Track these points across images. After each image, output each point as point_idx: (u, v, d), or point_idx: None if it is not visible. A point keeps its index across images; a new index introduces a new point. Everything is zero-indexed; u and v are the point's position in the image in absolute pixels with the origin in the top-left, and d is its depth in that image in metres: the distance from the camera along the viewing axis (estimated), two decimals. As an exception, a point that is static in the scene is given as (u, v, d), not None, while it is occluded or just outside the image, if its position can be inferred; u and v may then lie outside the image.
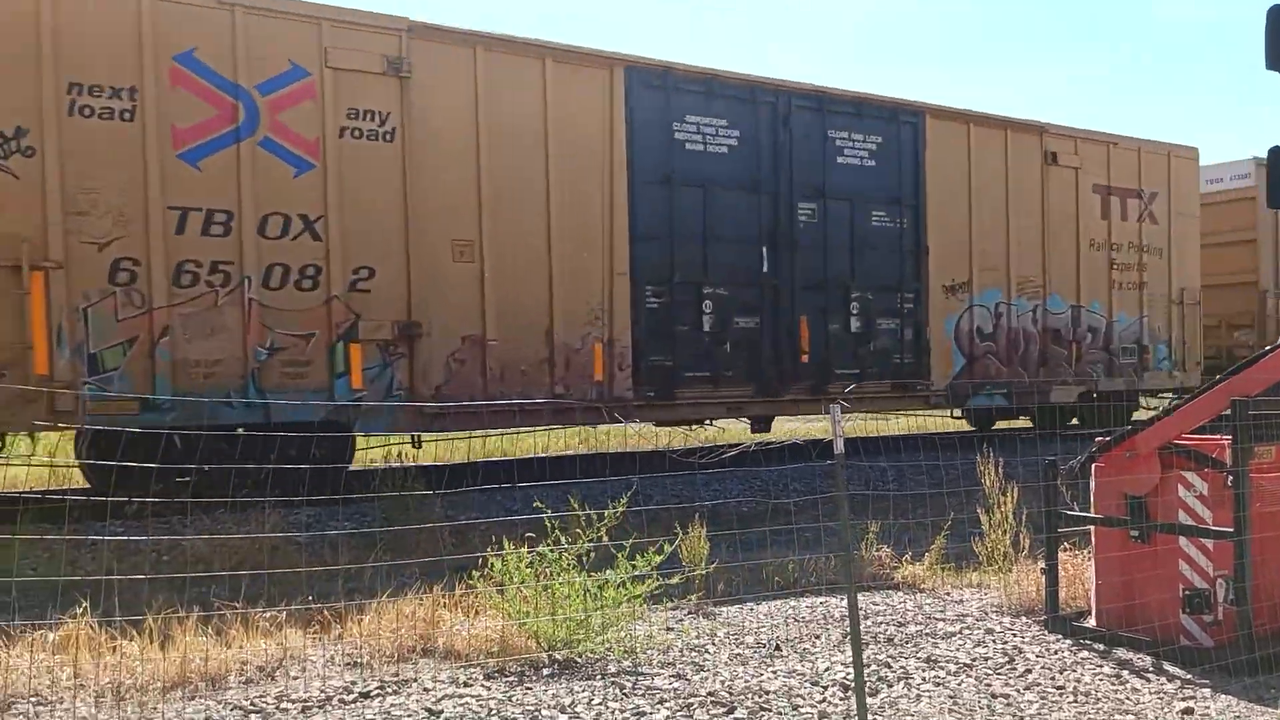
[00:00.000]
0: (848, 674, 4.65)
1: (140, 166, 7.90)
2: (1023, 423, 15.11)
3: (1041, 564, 5.73)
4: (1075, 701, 4.44)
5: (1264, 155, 15.81)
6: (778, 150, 11.12)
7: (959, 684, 4.63)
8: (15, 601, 5.58)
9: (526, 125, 9.60)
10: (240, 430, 8.26)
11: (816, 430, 15.67)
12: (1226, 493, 4.96)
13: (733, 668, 4.83)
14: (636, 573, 5.12)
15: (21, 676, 4.46)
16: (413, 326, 9.00)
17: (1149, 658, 5.01)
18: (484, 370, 9.31)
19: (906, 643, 5.28)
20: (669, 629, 5.44)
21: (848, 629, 5.24)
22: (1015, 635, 5.41)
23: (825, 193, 11.41)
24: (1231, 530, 4.83)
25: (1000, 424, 15.30)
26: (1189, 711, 4.33)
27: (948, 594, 6.40)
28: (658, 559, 5.22)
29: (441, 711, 4.18)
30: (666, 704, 4.31)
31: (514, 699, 4.35)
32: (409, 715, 4.15)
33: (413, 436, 9.94)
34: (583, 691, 4.45)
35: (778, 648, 5.17)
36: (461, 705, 4.25)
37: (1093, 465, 5.50)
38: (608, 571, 5.09)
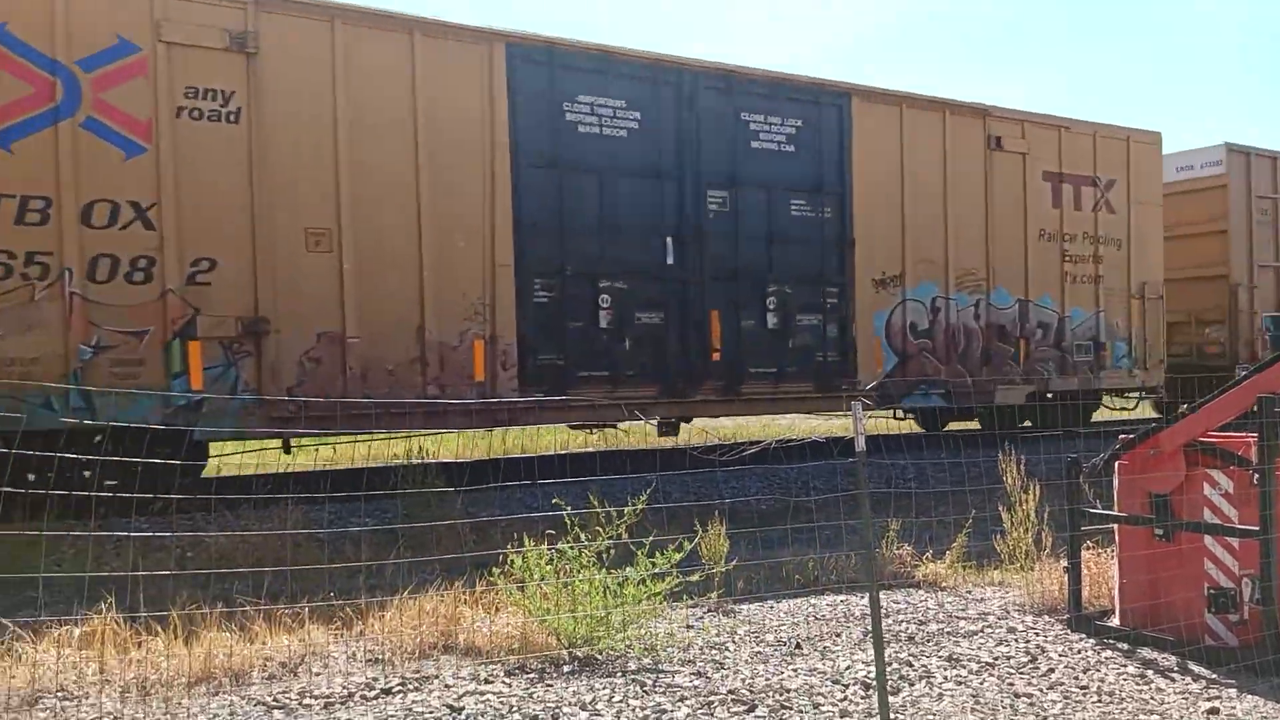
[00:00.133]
0: (869, 672, 4.64)
1: None
2: (976, 425, 14.34)
3: (1064, 562, 5.69)
4: (1099, 701, 4.41)
5: (1237, 140, 15.16)
6: (683, 134, 10.36)
7: (981, 683, 4.61)
8: (42, 597, 5.66)
9: (392, 105, 8.91)
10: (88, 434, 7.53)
11: (837, 428, 15.62)
12: (1252, 490, 4.91)
13: (753, 665, 4.82)
14: (656, 570, 5.13)
15: (48, 672, 4.51)
16: (260, 323, 8.31)
17: (1174, 657, 4.97)
18: (344, 370, 8.61)
19: (928, 641, 5.26)
20: (689, 626, 5.44)
21: (868, 627, 5.23)
22: (1038, 634, 5.38)
23: (738, 180, 10.67)
24: (1257, 529, 4.79)
25: (953, 425, 14.53)
26: (1214, 712, 4.29)
27: (969, 592, 6.37)
28: (677, 556, 5.22)
29: (463, 708, 4.20)
30: (687, 701, 4.31)
31: (535, 696, 4.36)
32: (430, 712, 4.17)
33: (284, 441, 9.25)
34: (603, 689, 4.45)
35: (798, 646, 5.16)
36: (483, 702, 4.27)
37: (1116, 463, 5.46)
38: (627, 569, 5.09)
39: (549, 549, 5.11)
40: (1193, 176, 15.67)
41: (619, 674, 4.68)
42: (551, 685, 4.50)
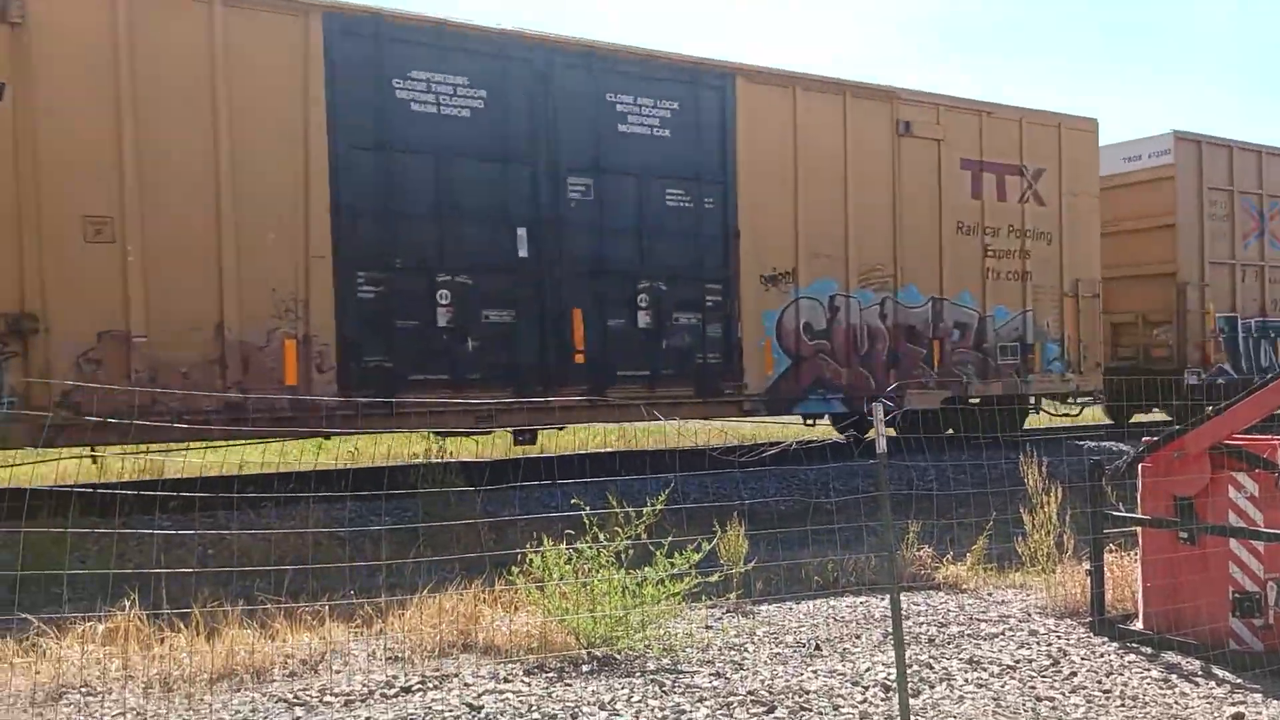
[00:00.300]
0: (889, 674, 4.62)
1: None
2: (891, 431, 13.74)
3: (1086, 565, 5.65)
4: (1123, 705, 4.37)
5: (1186, 128, 13.20)
6: (538, 115, 9.47)
7: (1002, 686, 4.58)
8: (66, 594, 5.71)
9: (185, 80, 8.06)
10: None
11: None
12: (1278, 494, 4.86)
13: (772, 667, 4.81)
14: (675, 570, 5.12)
15: (73, 667, 4.55)
16: (26, 320, 7.52)
17: (1198, 661, 4.92)
18: (129, 373, 7.76)
19: (948, 643, 5.23)
20: (708, 627, 5.44)
21: (888, 629, 5.21)
22: (1060, 637, 5.34)
23: (604, 166, 9.77)
24: (1284, 532, 4.74)
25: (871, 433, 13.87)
26: (1239, 717, 4.24)
27: (990, 595, 6.33)
28: (696, 557, 5.21)
29: (482, 707, 4.21)
30: (706, 702, 4.30)
31: (554, 695, 4.36)
32: (450, 710, 4.18)
33: (92, 449, 8.60)
34: (622, 689, 4.45)
35: (818, 647, 5.14)
36: (502, 701, 4.28)
37: (1140, 466, 5.41)
38: (646, 569, 5.09)
39: (568, 549, 5.11)
40: (1140, 167, 14.79)
41: (638, 674, 4.68)
42: (570, 685, 4.51)
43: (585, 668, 4.77)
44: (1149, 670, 4.82)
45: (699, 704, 4.28)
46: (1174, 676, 4.73)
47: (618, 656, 4.89)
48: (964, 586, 6.48)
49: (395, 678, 4.54)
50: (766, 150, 10.70)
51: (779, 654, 5.03)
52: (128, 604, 4.95)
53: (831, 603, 6.07)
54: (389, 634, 5.19)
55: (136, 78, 7.90)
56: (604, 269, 9.84)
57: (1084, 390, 13.15)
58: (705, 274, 10.38)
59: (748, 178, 10.56)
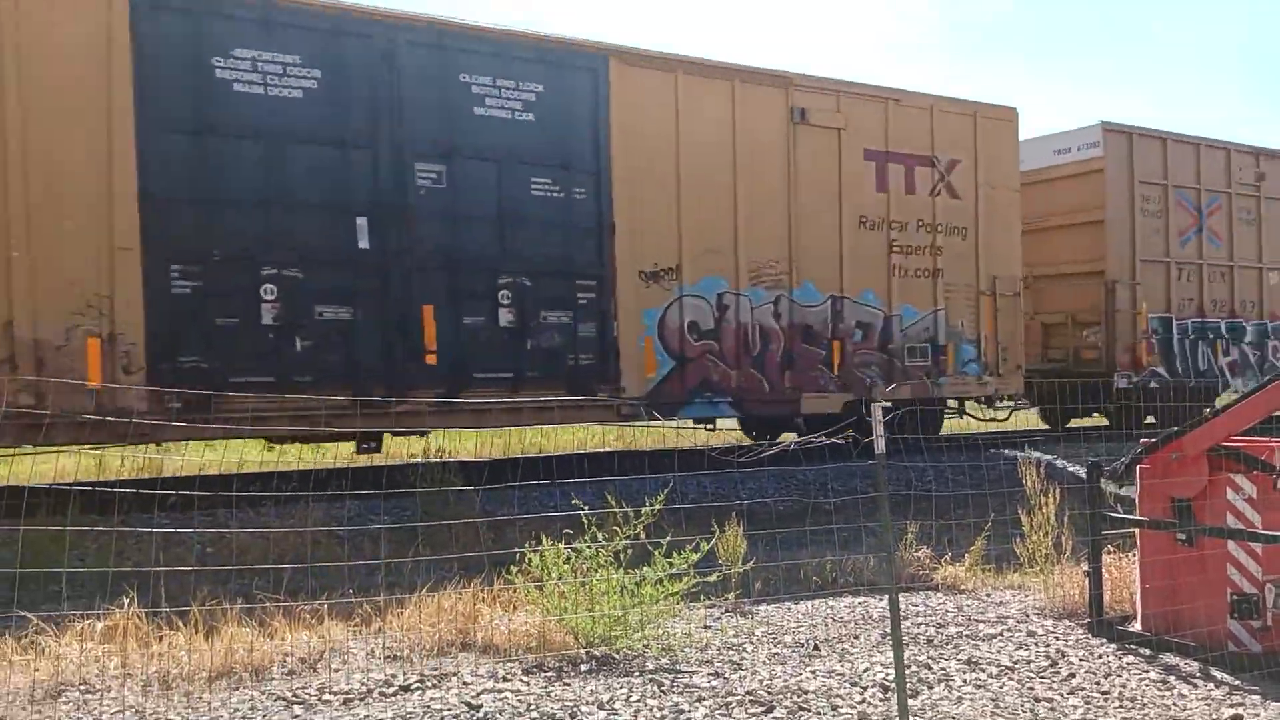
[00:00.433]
0: (887, 674, 4.62)
1: None
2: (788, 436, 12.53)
3: (1085, 566, 5.66)
4: (1121, 707, 4.38)
5: (1114, 120, 12.76)
6: (381, 97, 8.79)
7: (1001, 687, 4.59)
8: (65, 592, 5.71)
9: None
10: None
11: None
12: (1276, 495, 4.88)
13: (771, 667, 4.81)
14: (674, 570, 5.13)
15: (71, 665, 4.56)
16: None
17: (1196, 663, 4.93)
18: None
19: (946, 644, 5.24)
20: (706, 627, 5.44)
21: (887, 629, 5.22)
22: (1058, 638, 5.34)
23: (458, 151, 9.06)
24: (1282, 534, 4.75)
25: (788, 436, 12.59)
26: (1238, 718, 4.25)
27: (988, 595, 6.34)
28: (695, 557, 5.22)
29: (481, 706, 4.21)
30: (705, 702, 4.31)
31: (552, 694, 4.37)
32: (448, 709, 4.18)
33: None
34: (621, 688, 4.46)
35: (816, 647, 5.15)
36: (500, 700, 4.28)
37: (1138, 467, 5.42)
38: (645, 569, 5.10)
39: (566, 548, 5.12)
40: (1070, 160, 14.08)
41: (636, 673, 4.68)
42: (569, 684, 4.51)
43: (584, 667, 4.77)
44: (1147, 672, 4.83)
45: (697, 704, 4.28)
46: (1172, 678, 4.74)
47: (616, 656, 4.90)
48: (962, 587, 6.49)
49: (394, 676, 4.55)
50: (646, 138, 9.99)
51: (777, 654, 5.04)
52: (126, 602, 4.96)
53: (830, 603, 6.08)
54: (388, 633, 5.19)
55: None
56: (459, 262, 9.11)
57: (1004, 394, 12.50)
58: (577, 269, 9.67)
59: (624, 168, 9.85)
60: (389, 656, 4.88)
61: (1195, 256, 14.36)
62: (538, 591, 5.09)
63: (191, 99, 8.14)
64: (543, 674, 4.65)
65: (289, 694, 4.34)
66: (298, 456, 10.54)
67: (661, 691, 4.43)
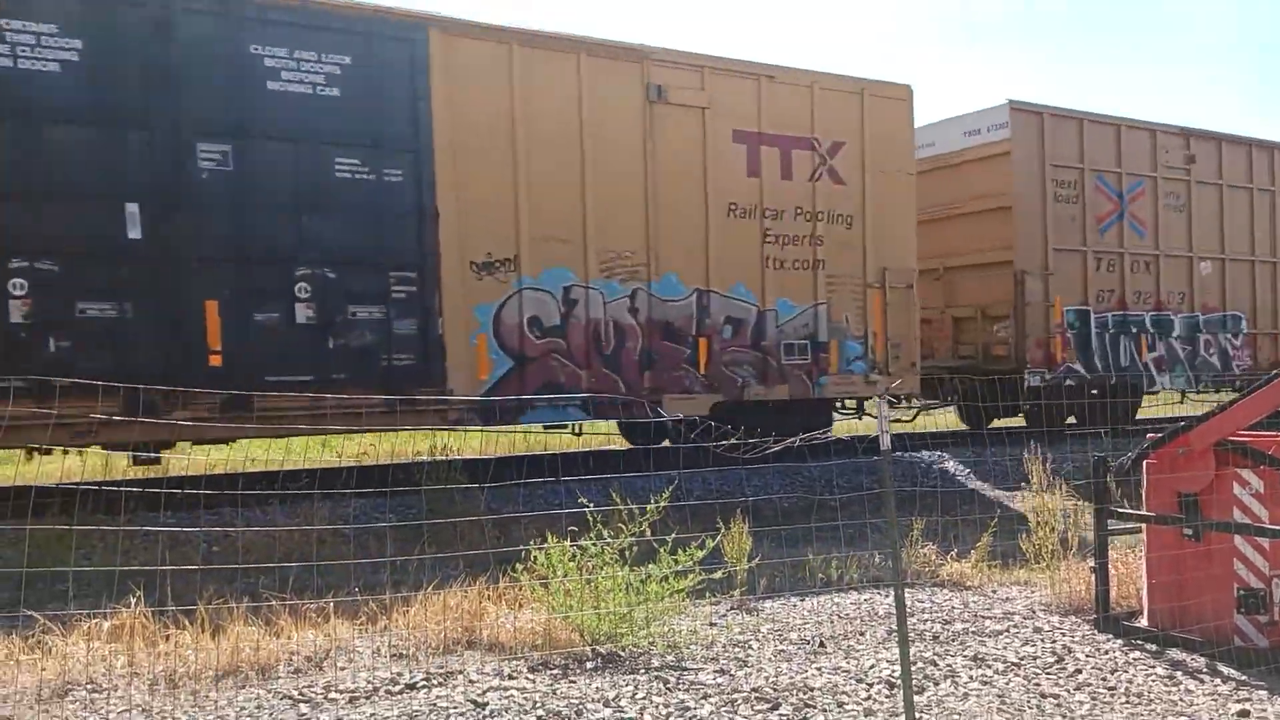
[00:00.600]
0: (893, 671, 4.62)
1: None
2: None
3: (1091, 562, 5.65)
4: (1128, 702, 4.37)
5: (1023, 99, 12.12)
6: (155, 69, 7.93)
7: (1007, 683, 4.58)
8: (72, 591, 5.73)
9: None
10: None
11: (861, 427, 15.55)
12: (1284, 490, 4.86)
13: (777, 664, 4.81)
14: (679, 567, 5.13)
15: (78, 664, 4.57)
16: None
17: (1202, 658, 4.92)
18: None
19: (952, 640, 5.23)
20: (712, 624, 5.44)
21: (893, 626, 5.21)
22: (1064, 634, 5.33)
23: (248, 130, 8.20)
24: (1289, 529, 4.73)
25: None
26: (1245, 714, 4.24)
27: (994, 592, 6.33)
28: (700, 554, 5.22)
29: (486, 704, 4.21)
30: (710, 699, 4.31)
31: (558, 692, 4.37)
32: (454, 707, 4.19)
33: None
34: (626, 685, 4.46)
35: (822, 644, 5.14)
36: (506, 698, 4.28)
37: (1144, 462, 5.41)
38: (650, 566, 5.10)
39: (572, 545, 5.12)
40: (979, 142, 13.09)
41: (642, 671, 4.68)
42: (575, 681, 4.51)
43: (590, 665, 4.77)
44: (1154, 667, 4.81)
45: (703, 701, 4.28)
46: (1179, 674, 4.73)
47: (622, 653, 4.90)
48: (968, 583, 6.48)
49: (400, 674, 4.55)
50: (476, 116, 9.08)
51: (783, 651, 5.03)
52: (133, 601, 4.97)
53: (836, 599, 6.07)
54: (394, 631, 5.20)
55: None
56: (249, 253, 8.25)
57: (896, 392, 11.69)
58: (392, 259, 8.75)
59: (450, 147, 8.94)
60: (395, 655, 4.88)
61: (1116, 245, 13.46)
62: (543, 589, 5.09)
63: None
64: (548, 671, 4.66)
65: (295, 692, 4.35)
66: (303, 455, 10.56)
67: (667, 689, 4.43)
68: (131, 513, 7.22)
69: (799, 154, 10.76)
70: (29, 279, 7.57)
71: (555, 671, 4.66)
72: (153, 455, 8.26)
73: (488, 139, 9.14)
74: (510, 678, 4.56)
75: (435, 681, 4.49)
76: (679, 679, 4.56)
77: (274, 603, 5.26)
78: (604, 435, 11.77)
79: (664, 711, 4.16)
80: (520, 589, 5.39)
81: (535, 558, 5.11)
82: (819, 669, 4.72)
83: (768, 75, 10.57)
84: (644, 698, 4.31)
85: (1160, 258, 13.85)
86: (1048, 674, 4.71)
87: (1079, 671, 4.74)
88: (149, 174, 7.94)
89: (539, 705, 4.19)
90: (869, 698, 4.36)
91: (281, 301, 8.31)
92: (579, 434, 10.62)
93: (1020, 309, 12.65)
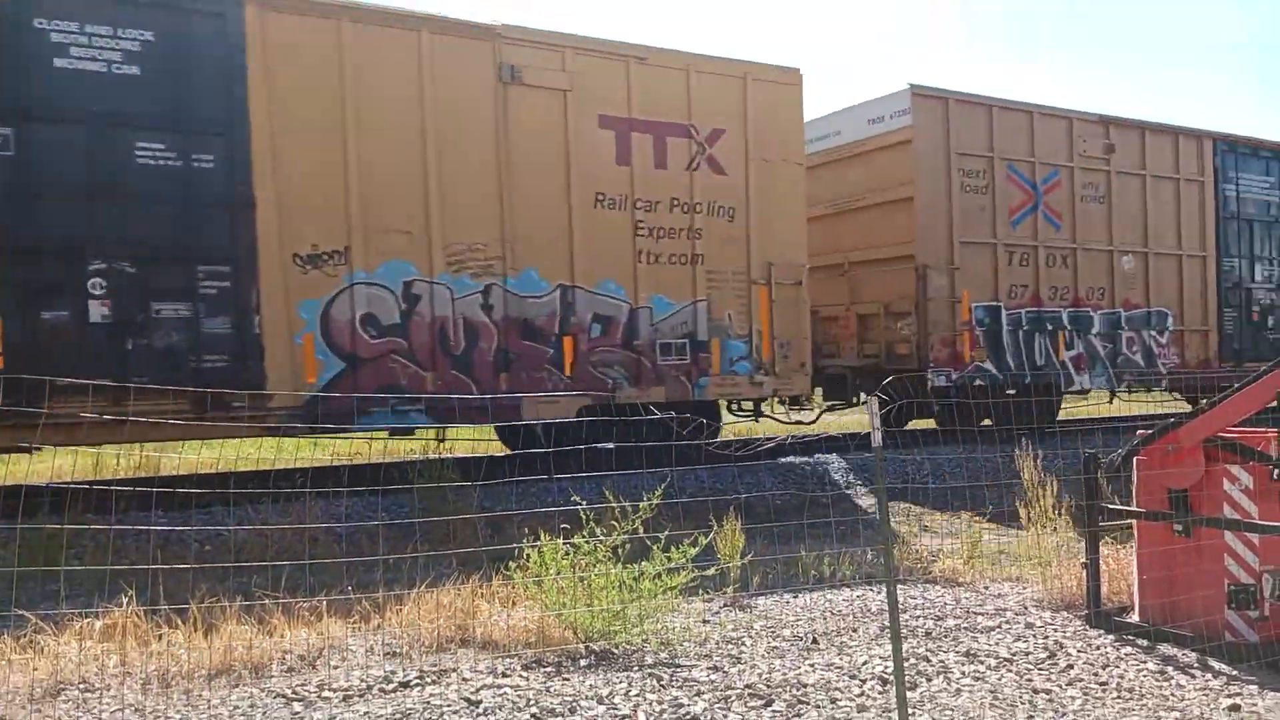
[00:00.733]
0: (886, 667, 4.63)
1: None
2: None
3: (1082, 558, 5.67)
4: (1119, 698, 4.39)
5: (923, 83, 11.57)
6: None
7: (999, 679, 4.60)
8: (63, 590, 5.71)
9: None
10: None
11: (853, 423, 15.58)
12: (1273, 486, 4.89)
13: (770, 660, 4.82)
14: (672, 565, 5.13)
15: (70, 664, 4.55)
16: None
17: (1193, 654, 4.95)
18: None
19: (945, 636, 5.25)
20: (705, 621, 5.45)
21: (885, 622, 5.23)
22: (1056, 630, 5.36)
23: (31, 112, 7.54)
24: (1278, 524, 4.76)
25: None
26: (1235, 708, 4.26)
27: (986, 588, 6.35)
28: (693, 551, 5.23)
29: (480, 701, 4.21)
30: (704, 696, 4.31)
31: (552, 689, 4.37)
32: (448, 705, 4.19)
33: None
34: (620, 682, 4.46)
35: (815, 641, 5.15)
36: (500, 695, 4.28)
37: (1135, 459, 5.43)
38: (643, 563, 5.11)
39: (565, 543, 5.12)
40: (881, 130, 12.42)
41: (636, 668, 4.69)
42: (568, 679, 4.52)
43: (583, 662, 4.78)
44: (1145, 662, 4.84)
45: (697, 697, 4.29)
46: (1170, 668, 4.75)
47: (615, 651, 4.90)
48: (961, 580, 6.50)
49: (393, 673, 4.55)
50: (300, 97, 8.42)
51: (776, 647, 5.04)
52: (125, 600, 4.95)
53: (828, 596, 6.09)
54: (387, 629, 5.19)
55: None
56: (34, 246, 7.55)
57: (784, 395, 11.09)
58: (201, 252, 8.03)
59: (270, 131, 8.28)
60: (388, 653, 4.88)
61: (1030, 238, 12.71)
62: (536, 587, 5.09)
63: None
64: (542, 669, 4.66)
65: (288, 691, 4.34)
66: (294, 454, 10.54)
67: (661, 686, 4.44)
68: (123, 512, 7.20)
69: (674, 141, 10.10)
70: None
71: (549, 669, 4.66)
72: None
73: (313, 122, 8.48)
74: (504, 675, 4.56)
75: (429, 679, 4.49)
76: (672, 676, 4.57)
77: (267, 601, 5.25)
78: (469, 441, 11.31)
79: (658, 709, 4.17)
80: (513, 587, 5.39)
81: (529, 555, 5.11)
82: (812, 665, 4.74)
83: (638, 57, 9.91)
84: (638, 695, 4.31)
85: (1078, 251, 13.12)
86: (1040, 669, 4.73)
87: (1071, 667, 4.76)
88: None
89: (532, 703, 4.20)
90: (862, 694, 4.37)
91: (73, 299, 7.65)
92: (442, 440, 9.84)
93: (923, 305, 11.96)
